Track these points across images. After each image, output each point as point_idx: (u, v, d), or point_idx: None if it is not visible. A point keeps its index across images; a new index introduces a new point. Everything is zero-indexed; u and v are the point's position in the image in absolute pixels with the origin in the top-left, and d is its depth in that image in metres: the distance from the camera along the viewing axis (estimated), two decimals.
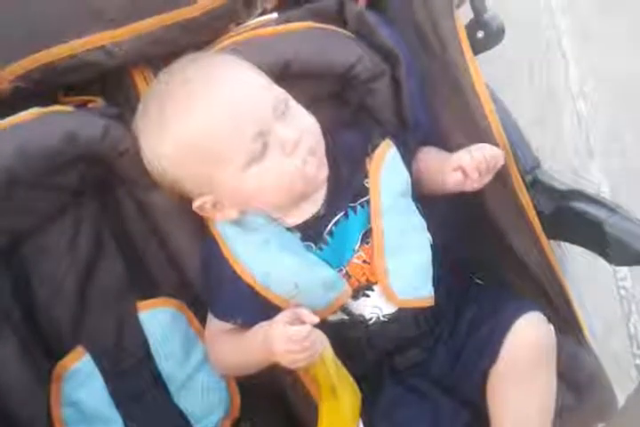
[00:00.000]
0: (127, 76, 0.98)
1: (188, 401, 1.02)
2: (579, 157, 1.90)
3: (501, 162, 0.95)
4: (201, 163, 0.89)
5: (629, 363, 1.55)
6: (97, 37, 0.90)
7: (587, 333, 1.09)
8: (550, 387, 0.95)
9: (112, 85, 0.99)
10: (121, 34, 0.91)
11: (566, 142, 1.95)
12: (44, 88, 0.94)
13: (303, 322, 0.87)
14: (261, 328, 0.91)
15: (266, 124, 0.88)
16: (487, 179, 0.95)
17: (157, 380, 1.02)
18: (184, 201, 0.96)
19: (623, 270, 1.64)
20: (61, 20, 0.88)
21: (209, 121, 0.87)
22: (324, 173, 0.94)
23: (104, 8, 0.89)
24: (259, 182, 0.90)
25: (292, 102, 0.92)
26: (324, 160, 0.94)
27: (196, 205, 0.93)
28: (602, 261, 0.99)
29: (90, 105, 0.98)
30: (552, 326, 0.98)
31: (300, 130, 0.90)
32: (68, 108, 0.94)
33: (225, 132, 0.87)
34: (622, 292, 1.67)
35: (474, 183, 0.95)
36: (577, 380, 1.05)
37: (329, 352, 0.92)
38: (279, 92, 0.92)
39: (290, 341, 0.85)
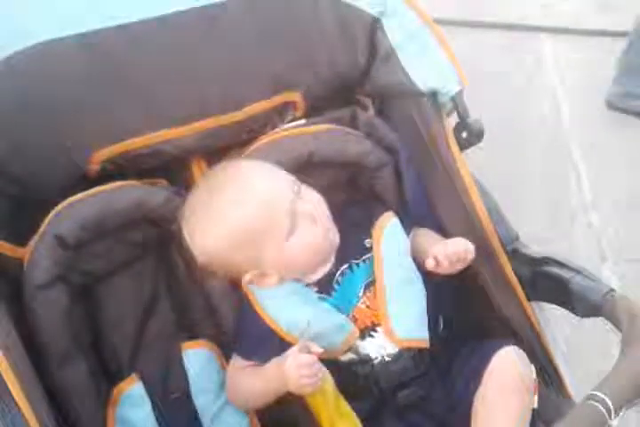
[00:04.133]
0: (186, 163, 1.24)
1: None
2: (591, 262, 2.02)
3: (472, 256, 1.10)
4: (252, 244, 1.07)
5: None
6: (166, 133, 1.15)
7: (570, 388, 1.22)
8: (524, 415, 1.06)
9: (174, 171, 1.25)
10: (184, 131, 1.16)
11: (579, 248, 2.10)
12: (123, 170, 1.19)
13: (311, 353, 1.05)
14: (277, 359, 1.09)
15: (292, 203, 1.07)
16: (459, 267, 1.10)
17: (196, 413, 1.15)
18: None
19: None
20: (140, 118, 1.15)
21: (254, 210, 1.06)
22: (338, 236, 1.15)
23: (173, 112, 1.16)
24: (296, 251, 1.08)
25: (300, 184, 1.14)
26: (335, 226, 1.15)
27: (246, 280, 1.11)
28: (591, 324, 1.13)
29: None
30: (532, 366, 1.10)
31: (315, 202, 1.13)
32: (140, 183, 1.19)
33: (267, 215, 1.06)
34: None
35: (445, 270, 1.09)
36: None
37: (330, 386, 1.08)
38: (293, 178, 1.12)
39: (301, 366, 1.04)
